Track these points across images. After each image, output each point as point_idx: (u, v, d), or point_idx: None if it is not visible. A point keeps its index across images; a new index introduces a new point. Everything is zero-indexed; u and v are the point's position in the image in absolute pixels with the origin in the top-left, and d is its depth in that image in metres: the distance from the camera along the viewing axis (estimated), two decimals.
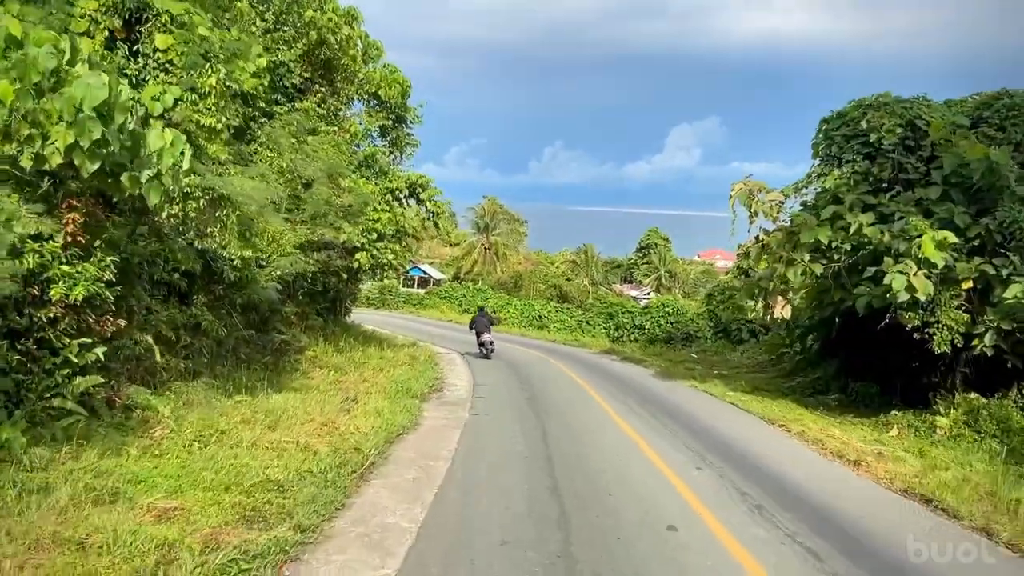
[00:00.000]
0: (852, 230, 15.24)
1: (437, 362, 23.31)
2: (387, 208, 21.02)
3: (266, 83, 13.00)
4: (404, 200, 22.75)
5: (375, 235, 20.44)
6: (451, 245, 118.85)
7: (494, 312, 38.72)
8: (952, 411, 14.49)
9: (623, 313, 39.09)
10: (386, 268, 21.25)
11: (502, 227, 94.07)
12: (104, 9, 10.38)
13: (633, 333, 36.97)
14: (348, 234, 19.40)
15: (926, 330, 14.15)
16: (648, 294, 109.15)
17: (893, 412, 15.33)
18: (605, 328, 40.66)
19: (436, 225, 23.56)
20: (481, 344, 25.73)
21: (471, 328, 26.62)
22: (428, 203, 22.68)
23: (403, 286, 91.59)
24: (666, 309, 35.92)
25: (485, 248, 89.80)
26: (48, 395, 8.11)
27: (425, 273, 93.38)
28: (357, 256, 20.10)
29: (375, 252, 20.58)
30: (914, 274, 13.70)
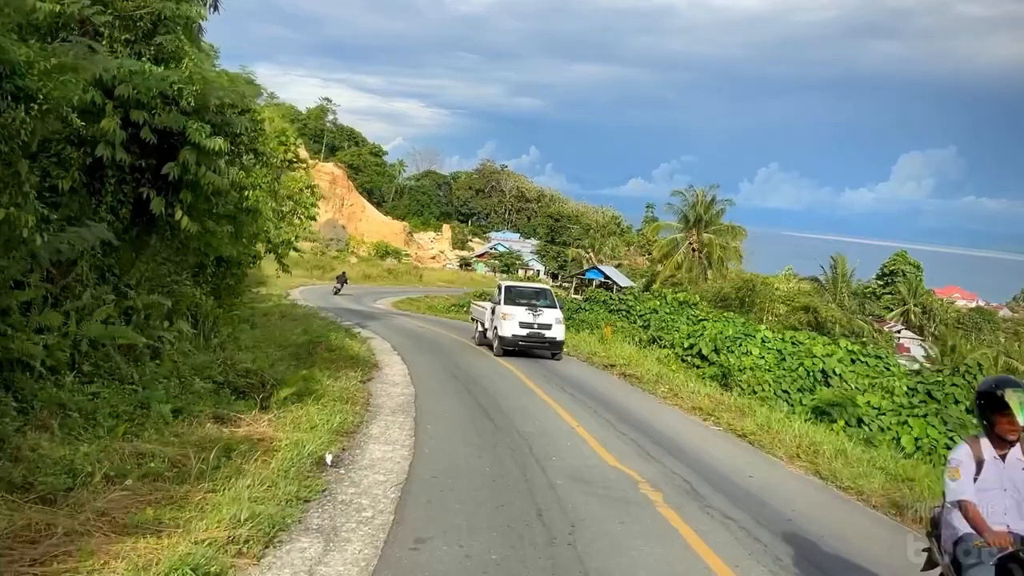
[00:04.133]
0: None
1: None
2: None
3: None
4: None
5: None
6: (648, 252, 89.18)
7: None
8: None
9: None
10: None
11: (717, 225, 61.79)
12: None
13: None
14: None
15: None
16: (898, 332, 72.59)
17: None
18: None
19: None
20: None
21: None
22: None
23: (572, 292, 63.24)
24: None
25: (693, 248, 58.78)
26: None
27: (607, 277, 64.24)
28: None
29: None
30: None
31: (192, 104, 8.15)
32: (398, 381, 13.57)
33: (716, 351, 22.25)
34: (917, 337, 67.60)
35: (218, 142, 8.27)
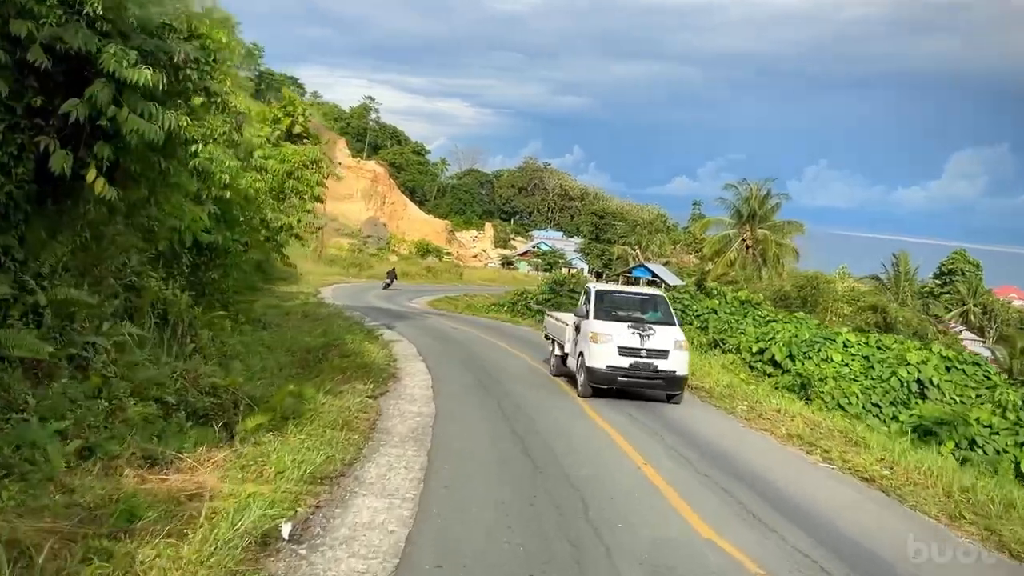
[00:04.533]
0: None
1: None
2: None
3: None
4: None
5: None
6: (696, 250, 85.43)
7: None
8: None
9: None
10: None
11: (771, 220, 57.90)
12: None
13: None
14: None
15: None
16: (960, 333, 67.87)
17: None
18: None
19: None
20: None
21: None
22: None
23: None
24: None
25: (747, 245, 55.16)
26: None
27: (655, 275, 61.07)
28: None
29: None
30: None
31: (101, 13, 5.65)
32: (417, 396, 11.00)
33: (791, 357, 19.22)
34: (978, 339, 63.11)
35: (144, 74, 5.77)
